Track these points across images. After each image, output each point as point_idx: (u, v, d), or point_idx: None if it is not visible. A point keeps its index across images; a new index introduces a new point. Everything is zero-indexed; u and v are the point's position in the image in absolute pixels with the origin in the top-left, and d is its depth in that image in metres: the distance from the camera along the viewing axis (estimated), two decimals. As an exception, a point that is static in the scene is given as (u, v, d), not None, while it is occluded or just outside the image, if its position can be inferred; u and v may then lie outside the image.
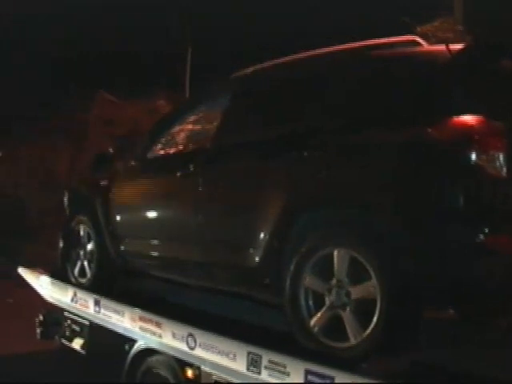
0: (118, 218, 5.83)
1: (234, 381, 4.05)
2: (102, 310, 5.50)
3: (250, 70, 5.21)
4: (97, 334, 5.77)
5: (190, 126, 5.51)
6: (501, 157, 3.35)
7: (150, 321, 4.85)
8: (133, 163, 5.88)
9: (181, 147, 5.50)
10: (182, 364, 4.60)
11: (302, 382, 3.52)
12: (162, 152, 5.67)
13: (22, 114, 18.83)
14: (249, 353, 3.87)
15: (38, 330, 6.74)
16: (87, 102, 18.71)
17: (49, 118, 18.61)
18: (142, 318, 4.95)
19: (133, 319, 5.06)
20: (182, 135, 5.52)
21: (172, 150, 5.56)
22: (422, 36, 4.79)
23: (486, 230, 3.33)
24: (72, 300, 6.04)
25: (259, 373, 3.79)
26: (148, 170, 5.72)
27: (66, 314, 6.33)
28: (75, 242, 6.37)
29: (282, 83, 4.75)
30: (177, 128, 5.58)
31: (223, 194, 4.76)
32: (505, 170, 3.35)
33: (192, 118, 5.49)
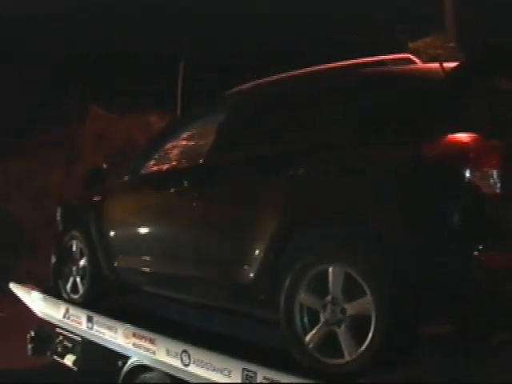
0: (112, 233, 5.82)
1: (229, 398, 4.03)
2: (95, 327, 5.47)
3: (245, 86, 5.24)
4: (89, 350, 5.74)
5: (184, 142, 5.52)
6: (495, 174, 3.38)
7: (143, 337, 4.83)
8: (126, 179, 5.88)
9: (175, 163, 5.50)
10: (176, 381, 4.58)
11: (297, 398, 3.52)
12: (155, 168, 5.67)
13: (11, 125, 18.77)
14: (244, 369, 3.85)
15: (30, 346, 6.69)
16: (79, 115, 18.68)
17: (41, 132, 18.56)
18: (135, 335, 4.93)
19: (126, 336, 5.04)
20: (177, 151, 5.52)
21: (166, 166, 5.56)
22: (413, 52, 4.83)
23: (481, 247, 3.35)
24: (64, 316, 6.01)
25: (254, 389, 3.78)
26: (142, 185, 5.72)
27: (57, 330, 6.29)
28: (68, 258, 6.33)
29: (277, 101, 4.76)
30: (171, 144, 5.58)
31: (217, 210, 4.76)
32: (499, 186, 3.38)
33: (186, 134, 5.50)
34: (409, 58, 4.28)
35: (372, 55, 4.48)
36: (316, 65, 4.74)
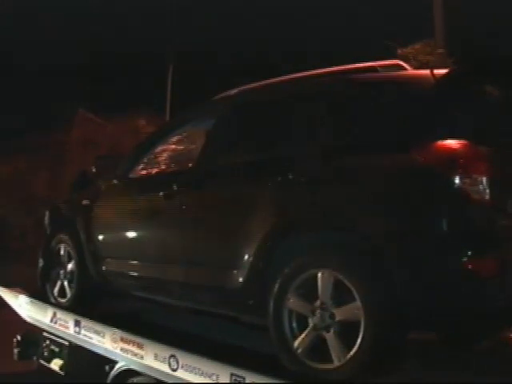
0: (100, 237, 5.80)
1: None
2: (83, 331, 5.43)
3: (234, 91, 5.23)
4: (76, 354, 5.70)
5: (173, 147, 5.51)
6: (484, 180, 3.39)
7: (131, 342, 4.80)
8: (115, 182, 5.86)
9: (164, 167, 5.49)
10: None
11: (285, 404, 3.51)
12: (144, 172, 5.66)
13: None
14: (232, 374, 3.83)
15: (16, 351, 6.63)
16: (67, 118, 18.63)
17: (28, 134, 18.49)
18: (123, 339, 4.90)
19: (114, 340, 5.00)
20: (166, 155, 5.52)
21: (155, 170, 5.55)
22: (402, 59, 4.84)
23: (470, 254, 3.35)
24: (51, 320, 5.97)
25: (242, 394, 3.76)
26: (130, 189, 5.70)
27: (44, 334, 6.25)
28: (55, 262, 6.31)
29: (265, 106, 4.76)
30: (160, 148, 5.57)
31: (207, 214, 4.75)
32: (488, 193, 3.39)
33: (176, 139, 5.49)
34: (399, 64, 4.29)
35: (362, 61, 4.48)
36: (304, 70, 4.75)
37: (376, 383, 3.66)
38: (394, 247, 3.53)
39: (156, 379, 4.60)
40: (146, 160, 5.68)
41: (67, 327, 5.68)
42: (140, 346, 4.69)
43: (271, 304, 3.95)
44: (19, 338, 6.61)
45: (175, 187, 4.93)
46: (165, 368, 4.40)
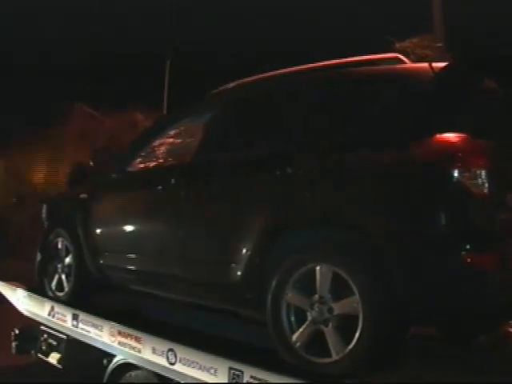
0: (98, 231, 5.78)
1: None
2: (80, 325, 5.43)
3: (232, 85, 5.21)
4: (74, 348, 5.70)
5: (171, 140, 5.49)
6: (483, 174, 3.38)
7: (129, 335, 4.80)
8: (113, 176, 5.85)
9: (162, 161, 5.47)
10: (162, 379, 4.56)
11: (283, 397, 3.50)
12: (142, 165, 5.64)
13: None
14: (230, 368, 3.84)
15: (14, 344, 6.63)
16: (65, 113, 18.57)
17: (26, 129, 18.46)
18: (121, 333, 4.89)
19: (112, 334, 5.00)
20: (164, 149, 5.50)
21: (153, 164, 5.53)
22: (400, 53, 4.82)
23: (468, 247, 3.34)
24: (49, 314, 5.96)
25: (241, 389, 3.76)
26: (128, 183, 5.69)
27: (42, 328, 6.25)
28: (53, 256, 6.30)
29: (263, 99, 4.74)
30: (158, 142, 5.55)
31: (204, 208, 4.74)
32: (487, 187, 3.38)
33: (174, 133, 5.47)
34: (398, 58, 4.27)
35: (360, 55, 4.46)
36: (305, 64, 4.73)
37: (376, 383, 3.64)
38: (392, 242, 3.52)
39: (154, 373, 4.61)
40: (144, 154, 5.66)
41: (65, 321, 5.68)
42: (138, 340, 4.69)
43: (269, 298, 3.94)
44: (17, 331, 6.60)
45: (173, 181, 4.92)
46: (163, 362, 4.40)
